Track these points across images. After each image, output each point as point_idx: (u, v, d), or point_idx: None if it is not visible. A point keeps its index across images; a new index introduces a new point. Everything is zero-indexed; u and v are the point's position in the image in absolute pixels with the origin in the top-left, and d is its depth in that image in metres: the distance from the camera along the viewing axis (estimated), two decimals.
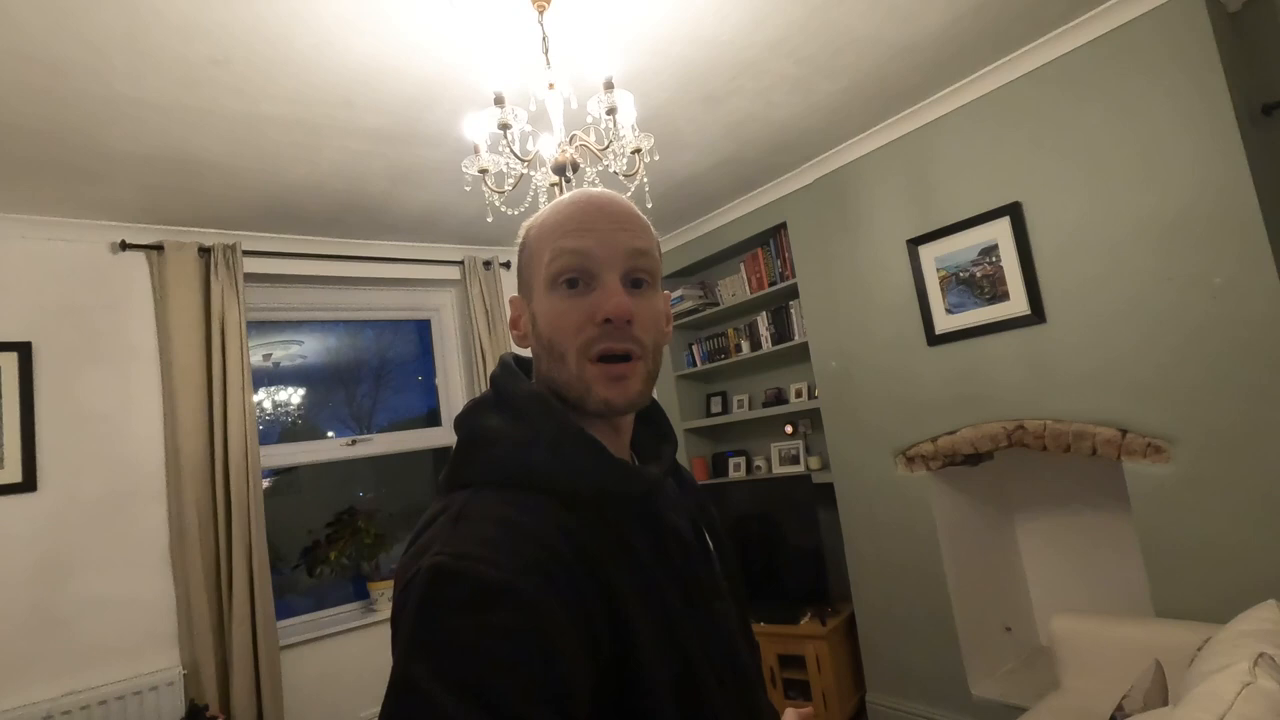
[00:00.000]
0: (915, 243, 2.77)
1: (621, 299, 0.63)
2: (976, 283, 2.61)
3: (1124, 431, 2.22)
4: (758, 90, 2.37)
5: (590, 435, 0.63)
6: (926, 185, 2.73)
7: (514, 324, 0.71)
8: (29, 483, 2.43)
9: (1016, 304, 2.49)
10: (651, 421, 0.78)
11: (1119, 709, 1.66)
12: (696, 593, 0.64)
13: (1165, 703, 1.61)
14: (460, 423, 0.67)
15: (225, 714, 2.53)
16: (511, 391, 0.66)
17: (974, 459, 2.79)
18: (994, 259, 2.55)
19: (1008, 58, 2.40)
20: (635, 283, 0.65)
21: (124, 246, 2.69)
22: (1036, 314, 2.43)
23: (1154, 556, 2.18)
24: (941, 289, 2.71)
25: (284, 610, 2.95)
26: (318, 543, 3.23)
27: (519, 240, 0.72)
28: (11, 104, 1.85)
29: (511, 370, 0.69)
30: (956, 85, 2.54)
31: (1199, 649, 1.66)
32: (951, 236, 2.66)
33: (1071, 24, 2.24)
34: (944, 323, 2.71)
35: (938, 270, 2.72)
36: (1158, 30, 2.10)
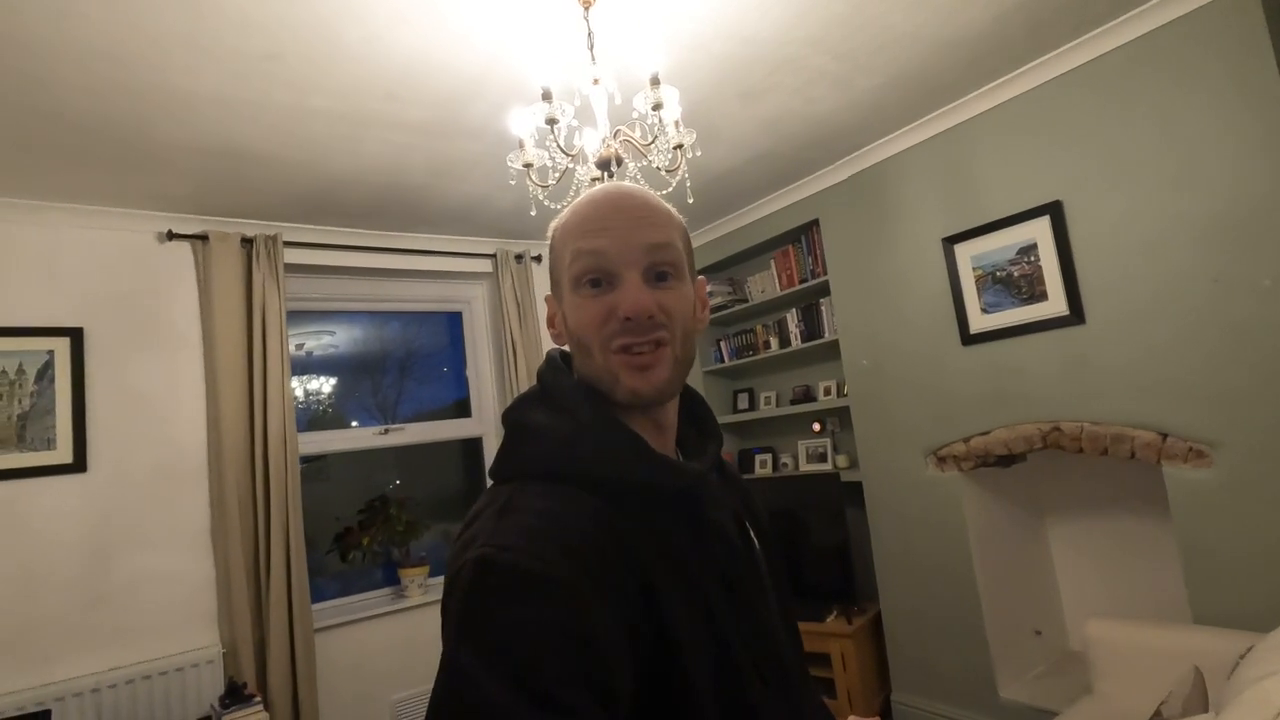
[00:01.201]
0: (951, 241, 2.75)
1: (639, 296, 0.63)
2: (1014, 282, 2.58)
3: (1164, 435, 2.19)
4: (796, 86, 2.36)
5: (632, 430, 0.64)
6: (964, 183, 2.70)
7: (550, 322, 0.72)
8: (79, 463, 2.51)
9: (1055, 304, 2.46)
10: (698, 420, 0.79)
11: (1157, 715, 1.64)
12: (738, 588, 0.65)
13: (1206, 709, 1.59)
14: (507, 417, 0.69)
15: (262, 693, 2.60)
16: (557, 386, 0.68)
17: (1007, 460, 2.77)
18: (1033, 258, 2.52)
19: (1049, 55, 2.36)
20: (659, 276, 0.66)
21: (170, 236, 2.76)
22: (1075, 314, 2.40)
23: (1194, 563, 2.15)
24: (977, 288, 2.69)
25: (314, 594, 3.02)
26: (350, 529, 3.29)
27: (548, 240, 0.72)
28: (73, 95, 1.92)
29: (557, 366, 0.70)
30: (997, 82, 2.51)
31: (1241, 656, 1.63)
32: (989, 235, 2.64)
33: (1116, 21, 2.20)
34: (979, 322, 2.69)
35: (974, 269, 2.69)
36: (1206, 27, 2.06)
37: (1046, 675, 2.76)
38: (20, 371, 2.47)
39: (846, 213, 3.16)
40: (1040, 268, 2.50)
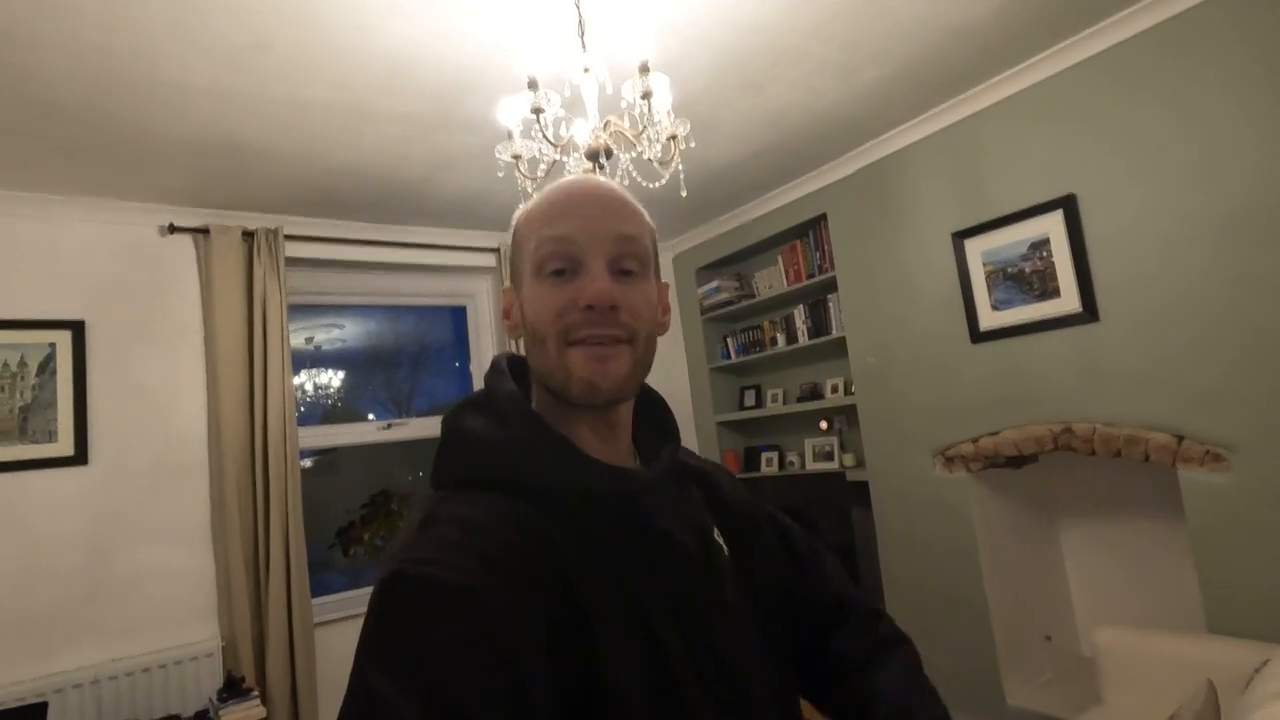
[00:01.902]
0: (961, 236, 2.67)
1: (603, 285, 0.60)
2: (1025, 278, 2.51)
3: (1180, 437, 2.11)
4: (798, 77, 2.30)
5: (562, 436, 0.61)
6: (975, 176, 2.63)
7: (506, 314, 0.70)
8: (80, 456, 2.52)
9: (1068, 301, 2.38)
10: (655, 420, 0.75)
11: None
12: (686, 603, 0.61)
13: None
14: (444, 422, 0.66)
15: (260, 687, 2.60)
16: (495, 392, 0.66)
17: (1017, 461, 2.70)
18: (1045, 254, 2.44)
19: (1064, 44, 2.28)
20: (624, 270, 0.63)
21: (172, 229, 2.76)
22: (1089, 312, 2.32)
23: (1209, 570, 2.07)
24: (988, 284, 2.61)
25: (321, 587, 3.02)
26: (352, 523, 3.30)
27: (510, 229, 0.70)
28: (68, 87, 1.91)
29: (500, 370, 0.68)
30: (1009, 72, 2.44)
31: (1256, 670, 1.57)
32: (1000, 230, 2.56)
33: (1135, 7, 2.12)
34: (989, 319, 2.61)
35: (984, 265, 2.62)
36: (1228, 14, 1.98)
37: (1055, 682, 2.69)
38: (22, 364, 2.48)
39: (854, 207, 3.09)
40: (1053, 264, 2.42)
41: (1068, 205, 2.36)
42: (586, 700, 0.52)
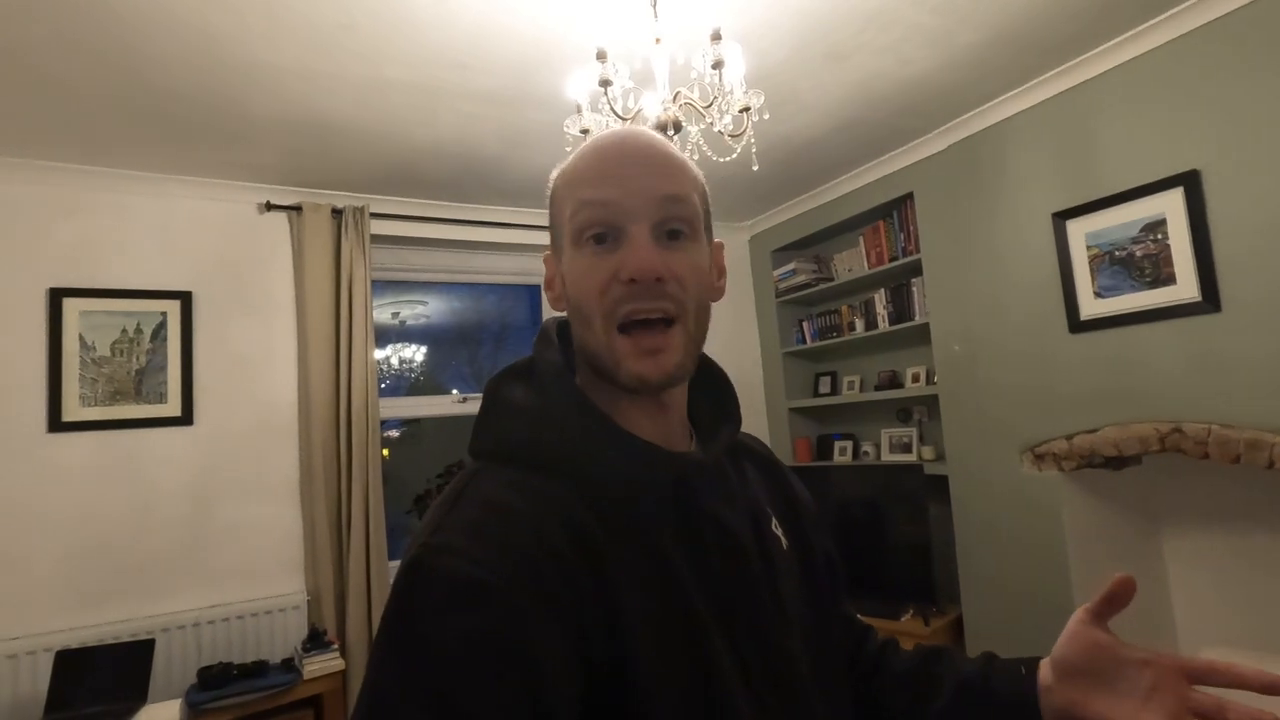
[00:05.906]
0: (1063, 216, 2.47)
1: (647, 254, 0.56)
2: (1135, 263, 2.29)
3: None
4: (888, 44, 2.17)
5: (605, 415, 0.58)
6: (1081, 152, 2.42)
7: (548, 285, 0.66)
8: (187, 417, 2.73)
9: (1184, 288, 2.16)
10: (720, 401, 0.70)
11: None
12: (735, 599, 0.57)
13: None
14: (486, 387, 0.63)
15: (341, 640, 2.76)
16: (539, 361, 0.63)
17: (1117, 462, 2.49)
18: (1159, 236, 2.22)
19: (1188, 3, 2.05)
20: (671, 234, 0.58)
21: (269, 207, 2.92)
22: (1209, 301, 2.10)
23: None
24: (1091, 269, 2.41)
25: (400, 551, 3.14)
26: (429, 491, 3.43)
27: (548, 191, 0.65)
28: (170, 70, 2.03)
29: (547, 337, 0.65)
30: (1126, 35, 2.21)
31: None
32: (1108, 210, 2.35)
33: None
34: (1091, 307, 2.41)
35: (1088, 248, 2.41)
36: None
37: None
38: (138, 330, 2.70)
39: (944, 186, 2.91)
40: (1168, 246, 2.20)
41: (1189, 182, 2.13)
42: (618, 703, 0.48)
